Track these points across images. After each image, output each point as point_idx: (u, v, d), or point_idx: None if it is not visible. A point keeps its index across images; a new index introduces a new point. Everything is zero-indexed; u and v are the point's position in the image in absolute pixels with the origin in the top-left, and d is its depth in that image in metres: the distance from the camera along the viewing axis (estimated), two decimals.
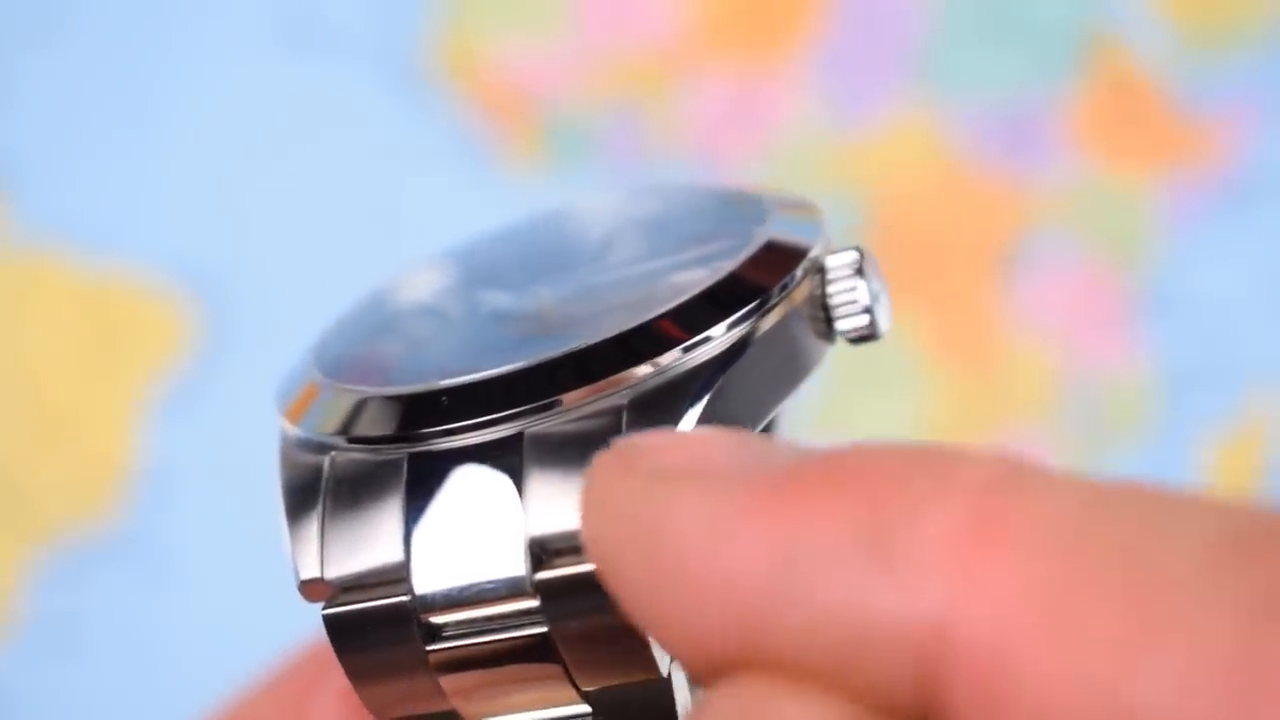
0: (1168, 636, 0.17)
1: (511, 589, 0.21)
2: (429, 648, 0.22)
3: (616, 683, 0.22)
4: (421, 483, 0.22)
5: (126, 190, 0.51)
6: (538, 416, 0.22)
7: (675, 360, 0.22)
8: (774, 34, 0.53)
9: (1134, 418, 0.52)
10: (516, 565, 0.21)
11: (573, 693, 0.22)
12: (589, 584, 0.21)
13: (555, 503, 0.21)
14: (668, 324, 0.22)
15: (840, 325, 0.24)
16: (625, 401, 0.22)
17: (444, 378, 0.23)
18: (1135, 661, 0.17)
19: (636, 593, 0.19)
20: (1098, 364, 0.52)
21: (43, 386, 0.51)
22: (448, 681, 0.22)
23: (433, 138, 0.52)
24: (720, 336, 0.22)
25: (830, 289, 0.24)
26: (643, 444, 0.20)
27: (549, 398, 0.22)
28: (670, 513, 0.19)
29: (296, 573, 0.22)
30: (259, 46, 0.52)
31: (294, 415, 0.23)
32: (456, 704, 0.22)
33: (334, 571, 0.22)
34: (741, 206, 0.25)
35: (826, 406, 0.51)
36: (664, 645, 0.19)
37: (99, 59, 0.52)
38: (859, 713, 0.18)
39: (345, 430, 0.23)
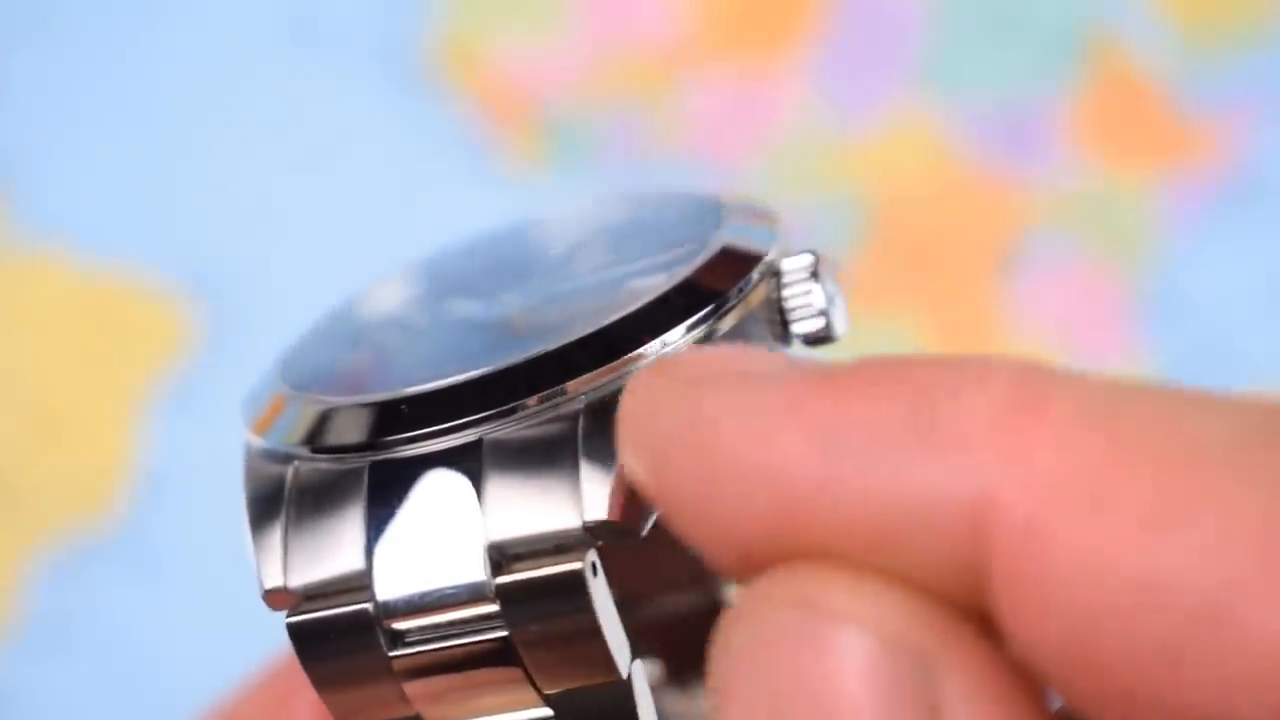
0: (1198, 507, 0.17)
1: (472, 594, 0.22)
2: (392, 654, 0.22)
3: (578, 685, 0.22)
4: (382, 490, 0.22)
5: (126, 190, 0.51)
6: (497, 423, 0.22)
7: (633, 364, 0.22)
8: (775, 34, 0.53)
9: None
10: (476, 570, 0.22)
11: (535, 696, 0.22)
12: (548, 588, 0.21)
13: (514, 507, 0.22)
14: (625, 328, 0.22)
15: (796, 328, 0.24)
16: (582, 406, 0.22)
17: (408, 386, 0.23)
18: (1168, 529, 0.17)
19: (681, 495, 0.19)
20: (1098, 364, 0.52)
21: (40, 386, 0.51)
22: (411, 687, 0.22)
23: (433, 137, 0.52)
24: (677, 341, 0.22)
25: (786, 292, 0.24)
26: (680, 357, 0.21)
27: (507, 404, 0.22)
28: (714, 410, 0.19)
29: (260, 582, 0.22)
30: (260, 46, 0.52)
31: (260, 428, 0.24)
32: (420, 709, 0.22)
33: (297, 580, 0.22)
34: (701, 212, 0.25)
35: None
36: (707, 546, 0.19)
37: (99, 58, 0.52)
38: (907, 597, 0.18)
39: (310, 440, 0.23)
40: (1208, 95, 0.53)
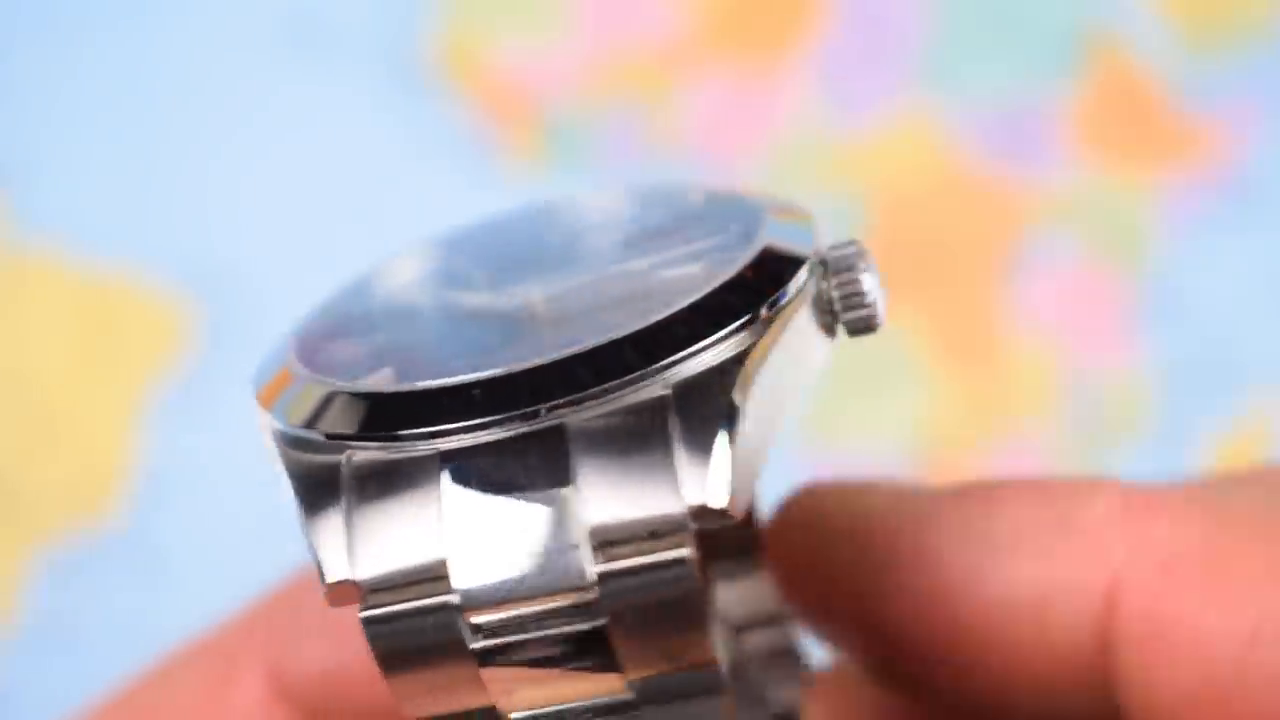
0: None
1: (569, 583, 0.21)
2: (474, 645, 0.21)
3: (666, 670, 0.22)
4: (456, 478, 0.21)
5: (126, 189, 0.51)
6: (575, 409, 0.22)
7: (712, 348, 0.22)
8: (774, 34, 0.53)
9: (1134, 418, 0.52)
10: (576, 558, 0.21)
11: (616, 681, 0.22)
12: (654, 573, 0.21)
13: (612, 493, 0.21)
14: (700, 313, 0.22)
15: (846, 317, 0.24)
16: (669, 390, 0.22)
17: (468, 371, 0.22)
18: (1276, 590, 0.21)
19: (840, 584, 0.23)
20: (1098, 364, 0.52)
21: (40, 386, 0.51)
22: (489, 674, 0.22)
23: (433, 138, 0.52)
24: (754, 324, 0.22)
25: (835, 280, 0.24)
26: (822, 485, 0.24)
27: (588, 389, 0.22)
28: (875, 512, 0.23)
29: (322, 575, 0.21)
30: (260, 46, 0.52)
31: (297, 415, 0.23)
32: (496, 698, 0.22)
33: (366, 572, 0.21)
34: (735, 207, 0.25)
35: (827, 406, 0.51)
36: (859, 630, 0.23)
37: (100, 57, 0.52)
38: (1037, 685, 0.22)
39: (368, 426, 0.22)
40: (1208, 95, 0.53)
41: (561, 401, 0.22)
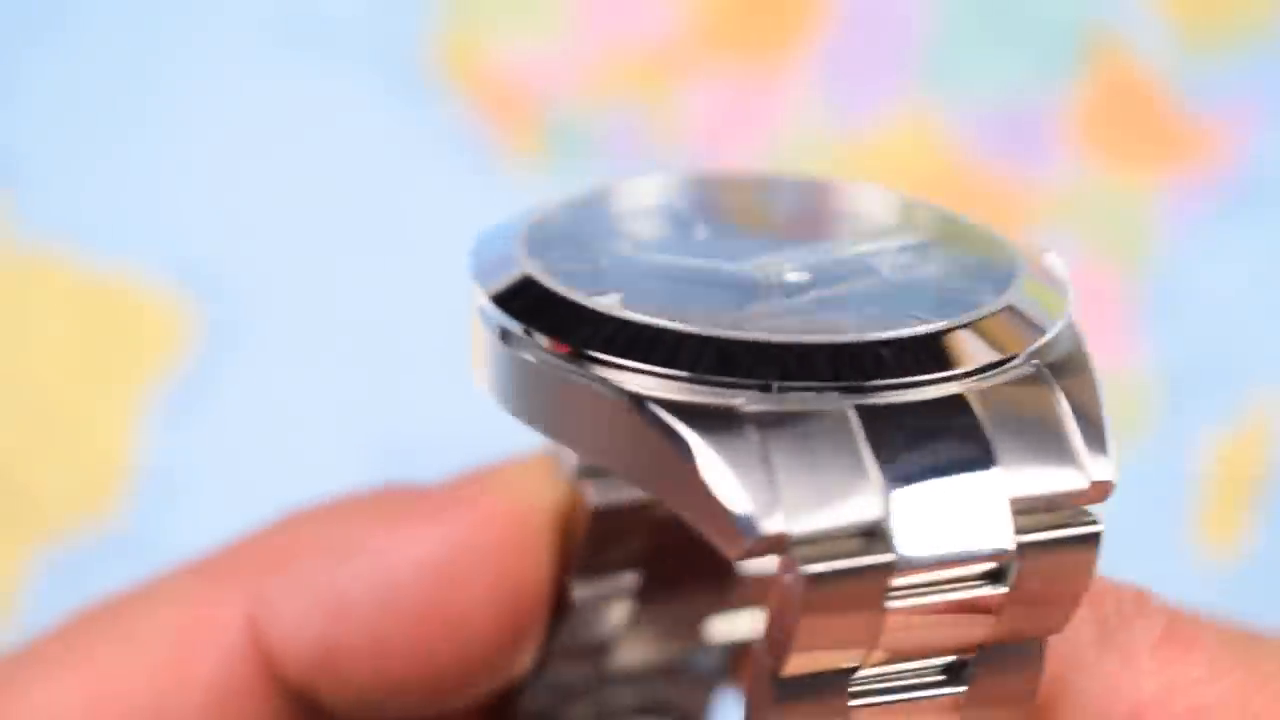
0: None
1: (995, 551, 0.21)
2: (888, 605, 0.21)
3: (1036, 635, 0.22)
4: (881, 436, 0.21)
5: (127, 190, 0.51)
6: (973, 380, 0.22)
7: (1062, 333, 0.23)
8: (774, 34, 0.53)
9: (1134, 418, 0.52)
10: (1005, 528, 0.21)
11: (978, 642, 0.22)
12: (1069, 547, 0.21)
13: (1028, 465, 0.21)
14: (1045, 302, 0.23)
15: None
16: (1045, 365, 0.22)
17: (860, 332, 0.22)
18: None
19: None
20: (1097, 364, 0.52)
21: (44, 386, 0.51)
22: (887, 637, 0.21)
23: (433, 137, 0.52)
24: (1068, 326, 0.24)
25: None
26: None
27: (990, 360, 0.22)
28: None
29: (754, 526, 0.21)
30: (260, 46, 0.52)
31: (687, 363, 0.22)
32: (877, 656, 0.22)
33: (801, 526, 0.21)
34: (991, 244, 0.26)
35: None
36: None
37: (101, 58, 0.52)
38: None
39: (783, 376, 0.21)
40: (1208, 96, 0.53)
41: (963, 373, 0.22)
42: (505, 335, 0.23)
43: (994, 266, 0.24)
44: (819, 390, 0.21)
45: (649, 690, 0.30)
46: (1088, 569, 0.22)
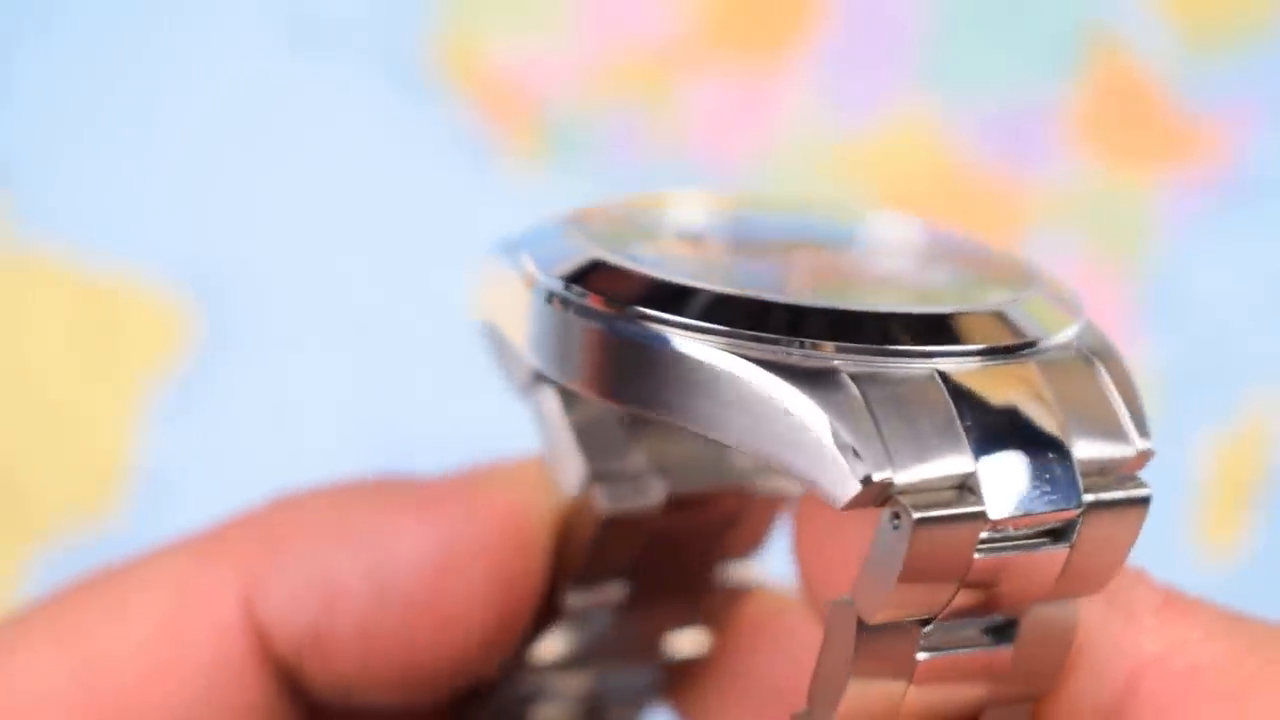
0: None
1: (1069, 507, 0.23)
2: (976, 555, 0.23)
3: (1082, 592, 0.24)
4: (961, 399, 0.23)
5: (127, 190, 0.52)
6: (1034, 353, 0.24)
7: (1090, 325, 0.25)
8: (774, 34, 0.53)
9: None
10: (1076, 486, 0.23)
11: (1046, 591, 0.23)
12: (1126, 509, 0.23)
13: (1091, 431, 0.23)
14: (1068, 298, 0.25)
15: None
16: (1084, 349, 0.24)
17: (930, 305, 0.24)
18: None
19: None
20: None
21: (43, 386, 0.51)
22: (965, 586, 0.23)
23: (433, 137, 0.52)
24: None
25: None
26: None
27: (1041, 337, 0.24)
28: None
29: (864, 473, 0.22)
30: (259, 46, 0.52)
31: (776, 327, 0.23)
32: (961, 599, 0.23)
33: (907, 475, 0.22)
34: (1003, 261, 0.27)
35: None
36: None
37: (100, 57, 0.52)
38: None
39: (880, 340, 0.23)
40: (1208, 95, 0.53)
41: (1024, 344, 0.24)
42: (586, 311, 0.24)
43: (1010, 270, 0.26)
44: (904, 355, 0.23)
45: (585, 709, 0.30)
46: (1136, 531, 0.23)
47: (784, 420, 0.22)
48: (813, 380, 0.23)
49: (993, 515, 0.22)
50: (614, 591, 0.28)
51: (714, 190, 0.29)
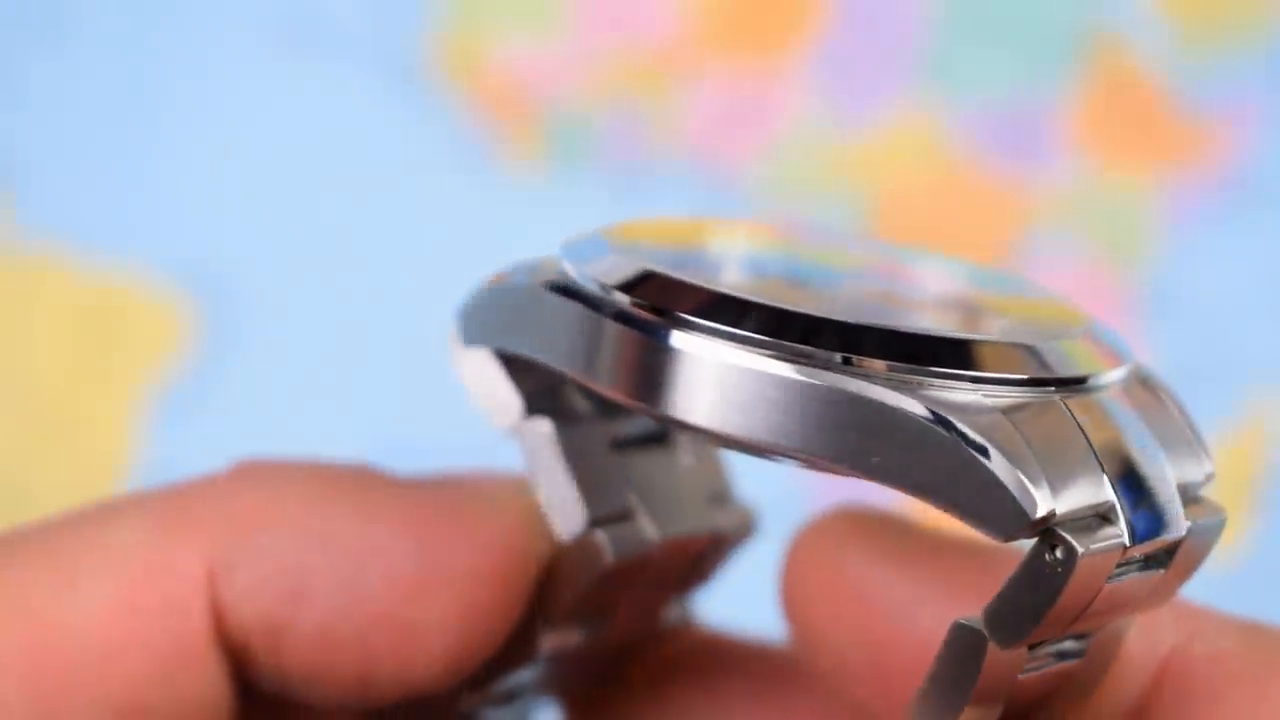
0: None
1: (1179, 532, 0.23)
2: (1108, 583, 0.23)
3: (1154, 607, 0.24)
4: (1095, 429, 0.23)
5: (127, 190, 0.52)
6: (1119, 384, 0.24)
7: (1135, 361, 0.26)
8: (774, 34, 0.53)
9: None
10: (1181, 513, 0.23)
11: (1138, 609, 0.24)
12: (1217, 532, 0.24)
13: (1180, 456, 0.24)
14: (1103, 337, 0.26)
15: None
16: (1146, 380, 0.25)
17: (1030, 339, 0.24)
18: None
19: (868, 606, 0.26)
20: None
21: (44, 386, 0.51)
22: (1091, 611, 0.23)
23: (433, 138, 0.52)
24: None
25: None
26: (853, 509, 0.27)
27: (1120, 368, 0.24)
28: (917, 545, 0.27)
29: (1032, 506, 0.22)
30: (260, 47, 0.52)
31: (878, 350, 0.23)
32: (1083, 622, 0.23)
33: (1065, 505, 0.22)
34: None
35: None
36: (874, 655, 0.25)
37: (102, 60, 0.52)
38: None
39: (1006, 370, 0.23)
40: (1208, 95, 0.53)
41: (1101, 375, 0.24)
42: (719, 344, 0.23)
43: (1058, 308, 0.27)
44: (1034, 385, 0.23)
45: None
46: (1211, 551, 0.24)
47: (943, 451, 0.22)
48: (969, 412, 0.23)
49: (1128, 544, 0.23)
50: (583, 633, 0.28)
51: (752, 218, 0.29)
